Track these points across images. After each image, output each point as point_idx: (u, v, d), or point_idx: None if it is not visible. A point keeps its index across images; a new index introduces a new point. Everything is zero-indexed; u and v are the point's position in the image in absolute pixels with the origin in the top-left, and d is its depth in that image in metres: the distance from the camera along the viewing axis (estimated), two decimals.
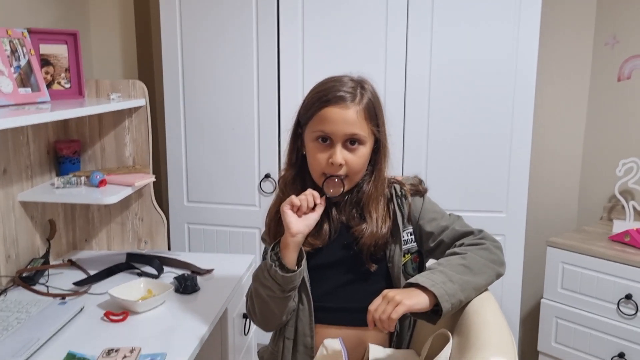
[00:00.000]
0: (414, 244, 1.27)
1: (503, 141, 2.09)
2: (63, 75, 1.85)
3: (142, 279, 1.69)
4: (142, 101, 1.93)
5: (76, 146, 1.93)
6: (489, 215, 2.12)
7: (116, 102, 1.83)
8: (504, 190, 2.12)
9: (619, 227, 2.18)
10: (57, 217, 1.92)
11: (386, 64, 2.08)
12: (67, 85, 1.86)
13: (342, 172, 1.20)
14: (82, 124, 1.97)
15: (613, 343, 1.98)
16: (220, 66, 2.18)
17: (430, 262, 1.25)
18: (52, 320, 1.43)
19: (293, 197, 1.19)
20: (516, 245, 2.14)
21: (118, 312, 1.50)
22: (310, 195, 1.19)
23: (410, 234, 1.27)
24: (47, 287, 1.67)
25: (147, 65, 2.56)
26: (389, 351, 1.18)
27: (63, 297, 1.59)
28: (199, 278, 1.74)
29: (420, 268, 1.29)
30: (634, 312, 1.93)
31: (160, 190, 2.50)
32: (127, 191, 1.79)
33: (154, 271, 1.80)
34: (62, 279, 1.74)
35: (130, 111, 1.95)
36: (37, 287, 1.66)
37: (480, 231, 1.26)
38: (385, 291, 1.09)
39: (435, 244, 1.25)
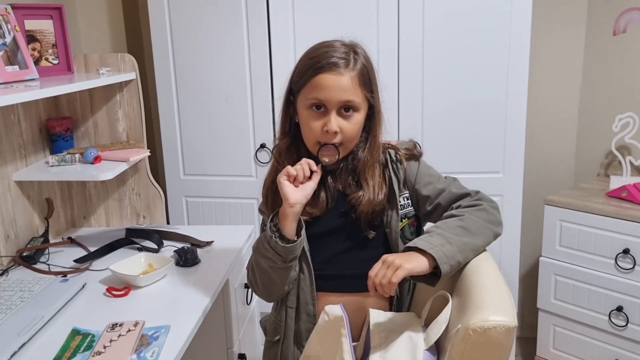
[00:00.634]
0: (411, 208, 1.27)
1: (498, 101, 2.07)
2: (50, 51, 1.82)
3: (143, 254, 1.70)
4: (132, 75, 1.90)
5: (68, 123, 1.91)
6: (486, 176, 2.12)
7: (106, 76, 1.80)
8: (501, 151, 2.11)
9: (616, 182, 2.18)
10: (54, 196, 1.91)
11: (378, 26, 2.04)
12: (55, 61, 1.83)
13: (337, 139, 1.19)
14: (73, 100, 1.94)
15: (611, 297, 2.01)
16: (209, 36, 2.14)
17: (429, 226, 1.26)
18: (54, 297, 1.43)
19: (289, 167, 1.18)
20: (514, 205, 2.15)
21: (120, 287, 1.51)
22: (305, 164, 1.18)
23: (407, 199, 1.27)
24: (48, 265, 1.68)
25: (136, 38, 2.51)
26: (389, 315, 1.19)
27: (64, 274, 1.60)
28: (199, 250, 1.75)
29: (418, 232, 1.29)
30: (631, 266, 1.95)
31: (157, 165, 2.49)
32: (123, 167, 1.78)
33: (153, 245, 1.81)
34: (63, 257, 1.75)
35: (121, 85, 1.92)
36: (38, 265, 1.66)
37: (477, 192, 1.26)
38: (385, 256, 1.10)
39: (432, 207, 1.25)
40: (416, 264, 1.07)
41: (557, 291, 2.17)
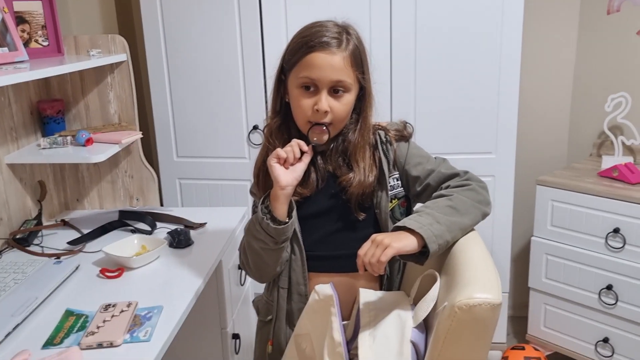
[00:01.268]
0: (401, 189, 1.28)
1: (491, 81, 2.07)
2: (40, 32, 1.80)
3: (136, 236, 1.71)
4: (123, 56, 1.89)
5: (59, 105, 1.90)
6: (478, 156, 2.12)
7: (96, 58, 1.79)
8: (493, 132, 2.11)
9: (607, 162, 2.19)
10: (47, 178, 1.91)
11: (371, 7, 2.03)
12: (45, 43, 1.82)
13: (327, 119, 1.19)
14: (64, 82, 1.93)
15: (601, 276, 2.03)
16: (201, 17, 2.12)
17: (418, 206, 1.27)
18: (48, 279, 1.45)
19: (279, 149, 1.18)
20: (506, 185, 2.16)
21: (113, 269, 1.52)
22: (296, 146, 1.18)
23: (397, 180, 1.27)
24: (42, 247, 1.69)
25: (127, 19, 2.49)
26: (379, 294, 1.20)
27: (58, 256, 1.61)
28: (192, 232, 1.76)
29: (408, 212, 1.30)
30: (621, 245, 1.96)
31: (150, 147, 2.49)
32: (115, 149, 1.78)
33: (147, 227, 1.82)
34: (56, 239, 1.75)
35: (112, 67, 1.91)
36: (31, 248, 1.67)
37: (466, 172, 1.26)
38: (374, 235, 1.11)
39: (422, 187, 1.26)
40: (405, 243, 1.08)
41: (548, 270, 2.19)
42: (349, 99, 1.20)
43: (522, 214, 2.44)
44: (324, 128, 1.20)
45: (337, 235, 1.26)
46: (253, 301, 1.43)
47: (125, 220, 1.86)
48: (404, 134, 1.30)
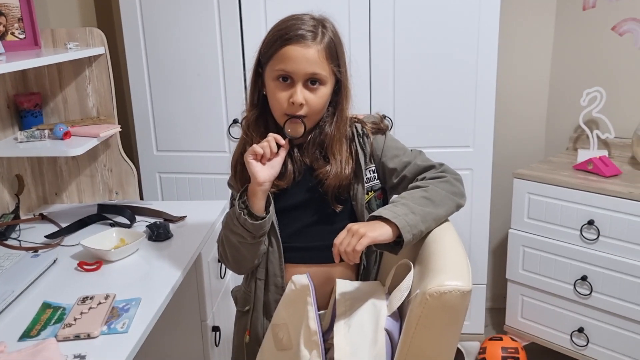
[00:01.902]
0: (377, 181, 1.29)
1: (468, 75, 2.10)
2: (16, 25, 1.79)
3: (115, 229, 1.70)
4: (101, 49, 1.88)
5: (37, 99, 1.89)
6: (456, 150, 2.15)
7: (74, 51, 1.78)
8: (471, 125, 2.14)
9: (583, 156, 2.23)
10: (24, 172, 1.90)
11: (349, 1, 2.04)
12: (22, 36, 1.80)
13: (302, 112, 1.20)
14: (41, 75, 1.92)
15: (576, 267, 2.07)
16: (180, 10, 2.12)
17: (394, 197, 1.28)
18: (25, 272, 1.44)
19: (255, 146, 1.18)
20: (484, 178, 2.19)
21: (92, 262, 1.52)
22: (272, 140, 1.19)
23: (373, 172, 1.29)
24: (19, 241, 1.68)
25: (106, 13, 2.47)
26: (355, 284, 1.22)
27: (35, 250, 1.60)
28: (171, 225, 1.76)
29: (385, 204, 1.30)
30: (595, 236, 2.00)
31: (129, 141, 2.48)
32: (93, 142, 1.77)
33: (126, 221, 1.81)
34: (34, 233, 1.75)
35: (90, 60, 1.90)
36: (8, 242, 1.66)
37: (441, 165, 1.28)
38: (350, 225, 1.12)
39: (399, 179, 1.28)
40: (380, 232, 1.10)
41: (525, 262, 2.23)
42: (324, 91, 1.21)
43: (499, 206, 2.47)
44: (300, 121, 1.20)
45: (313, 227, 1.27)
46: (232, 291, 1.44)
47: (104, 214, 1.85)
48: (380, 127, 1.31)
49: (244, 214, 1.18)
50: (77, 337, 1.18)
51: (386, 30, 2.07)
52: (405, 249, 1.13)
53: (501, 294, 2.50)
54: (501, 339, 2.29)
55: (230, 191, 1.38)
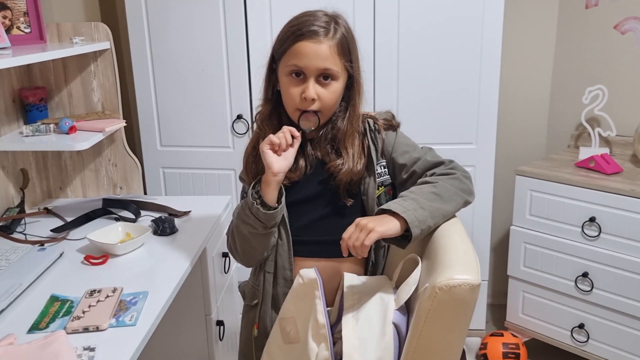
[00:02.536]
0: (388, 176, 1.31)
1: (472, 73, 2.10)
2: (22, 19, 1.79)
3: (120, 223, 1.71)
4: (106, 44, 1.88)
5: (42, 93, 1.89)
6: (459, 147, 2.16)
7: (79, 45, 1.78)
8: (474, 122, 2.15)
9: (584, 153, 2.25)
10: (29, 167, 1.90)
11: None
12: (27, 30, 1.80)
13: (314, 107, 1.21)
14: (46, 70, 1.92)
15: (577, 264, 2.09)
16: (185, 5, 2.12)
17: (404, 192, 1.29)
18: (32, 266, 1.44)
19: (271, 136, 1.20)
20: (486, 175, 2.20)
21: (98, 256, 1.53)
22: (287, 132, 1.21)
23: (384, 167, 1.30)
24: (25, 235, 1.68)
25: (111, 7, 2.47)
26: (363, 278, 1.23)
27: (42, 243, 1.60)
28: (176, 220, 1.76)
29: None
30: (597, 233, 2.02)
31: (133, 136, 2.48)
32: (98, 137, 1.78)
33: (131, 215, 1.82)
34: (40, 227, 1.75)
35: (95, 55, 1.91)
36: (14, 235, 1.67)
37: (451, 161, 1.30)
38: (358, 219, 1.13)
39: (408, 175, 1.29)
40: (388, 226, 1.11)
41: (526, 259, 2.24)
42: (336, 87, 1.22)
43: (501, 203, 2.48)
44: (314, 115, 1.22)
45: (323, 221, 1.28)
46: (239, 286, 1.45)
47: (109, 209, 1.86)
48: (392, 124, 1.33)
49: (256, 204, 1.20)
50: (86, 330, 1.19)
51: (391, 28, 2.08)
52: (412, 244, 1.14)
53: (502, 291, 2.51)
54: (502, 335, 2.31)
55: (240, 185, 1.39)
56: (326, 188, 1.27)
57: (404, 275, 1.14)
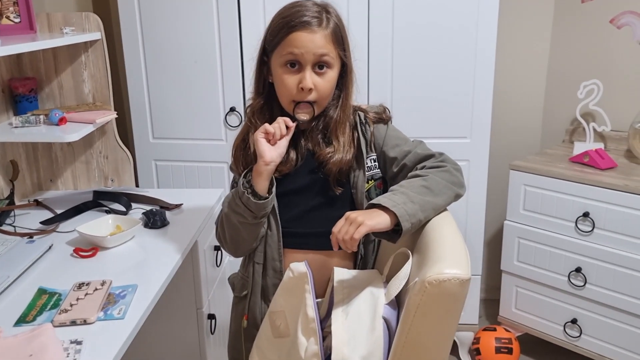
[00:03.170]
0: (378, 170, 1.30)
1: (467, 66, 2.09)
2: (11, 9, 1.76)
3: (110, 216, 1.69)
4: (97, 35, 1.86)
5: (32, 84, 1.87)
6: (453, 141, 2.15)
7: (70, 36, 1.76)
8: (468, 117, 2.14)
9: (579, 148, 2.24)
10: (19, 158, 1.89)
11: None
12: (17, 20, 1.78)
13: (311, 97, 1.21)
14: (37, 60, 1.90)
15: (571, 259, 2.08)
16: None
17: (394, 186, 1.28)
18: (20, 258, 1.43)
19: (267, 125, 1.20)
20: (480, 170, 2.19)
21: (87, 249, 1.51)
22: (282, 123, 1.21)
23: (374, 161, 1.29)
24: (14, 227, 1.67)
25: None
26: (353, 272, 1.22)
27: (31, 235, 1.59)
28: (168, 213, 1.75)
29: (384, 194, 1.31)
30: (590, 228, 2.01)
31: (125, 128, 2.46)
32: (89, 128, 1.76)
33: (122, 208, 1.80)
34: (29, 219, 1.74)
35: (86, 46, 1.88)
36: (3, 227, 1.65)
37: (441, 154, 1.28)
38: (348, 213, 1.12)
39: (399, 168, 1.28)
40: (378, 220, 1.10)
41: (520, 254, 2.24)
42: (331, 75, 1.22)
43: (495, 198, 2.48)
44: (310, 105, 1.22)
45: (313, 212, 1.28)
46: (229, 278, 1.44)
47: (99, 201, 1.84)
48: (382, 117, 1.32)
49: (247, 193, 1.19)
50: (73, 323, 1.18)
51: (385, 21, 2.06)
52: (403, 238, 1.13)
53: (495, 286, 2.51)
54: (495, 330, 2.31)
55: (231, 175, 1.38)
56: (316, 179, 1.26)
57: (395, 269, 1.13)
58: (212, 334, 1.79)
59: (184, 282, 1.70)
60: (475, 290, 2.33)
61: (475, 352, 2.32)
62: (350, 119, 1.28)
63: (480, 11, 2.04)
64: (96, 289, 1.30)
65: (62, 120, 1.74)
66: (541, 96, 2.54)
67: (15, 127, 1.73)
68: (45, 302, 1.26)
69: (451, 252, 1.00)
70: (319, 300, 1.22)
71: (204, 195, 1.92)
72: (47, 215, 1.75)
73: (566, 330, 2.16)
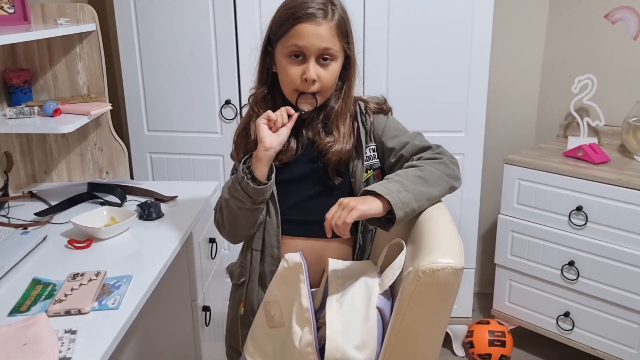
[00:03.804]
0: (376, 160, 1.31)
1: (462, 60, 2.09)
2: (6, 0, 1.75)
3: (105, 208, 1.69)
4: (92, 26, 1.86)
5: (26, 75, 1.86)
6: (448, 135, 2.15)
7: (64, 27, 1.75)
8: (463, 110, 2.14)
9: (573, 143, 2.25)
10: (13, 150, 1.88)
11: None
12: (11, 10, 1.77)
13: (314, 88, 1.22)
14: (31, 51, 1.89)
15: (564, 252, 2.10)
16: None
17: (389, 175, 1.29)
18: (15, 249, 1.43)
19: (269, 112, 1.22)
20: (475, 163, 2.20)
21: (82, 240, 1.51)
22: (284, 112, 1.23)
23: (373, 151, 1.31)
24: (8, 218, 1.66)
25: None
26: (347, 263, 1.22)
27: (25, 227, 1.59)
28: (162, 205, 1.75)
29: None
30: (583, 222, 2.03)
31: (120, 120, 2.46)
32: (83, 120, 1.75)
33: (116, 200, 1.80)
34: (23, 211, 1.73)
35: (81, 37, 1.88)
36: None
37: (438, 146, 1.30)
38: (341, 199, 1.14)
39: (396, 159, 1.29)
40: (370, 206, 1.11)
41: (513, 247, 2.25)
42: (335, 67, 1.24)
43: (489, 192, 2.49)
44: (312, 96, 1.23)
45: (312, 200, 1.29)
46: (227, 267, 1.44)
47: (94, 193, 1.84)
48: (383, 108, 1.34)
49: (246, 178, 1.21)
50: (67, 313, 1.18)
51: (380, 15, 2.06)
52: (397, 228, 1.14)
53: (489, 279, 2.52)
54: (488, 323, 2.32)
55: (231, 163, 1.39)
56: (315, 167, 1.27)
57: (389, 259, 1.13)
58: (206, 325, 1.80)
59: (179, 274, 1.70)
60: (469, 283, 2.35)
61: (468, 345, 2.33)
62: (351, 110, 1.30)
63: (475, 5, 2.04)
64: (91, 280, 1.30)
65: (57, 112, 1.74)
66: (536, 91, 2.55)
67: (10, 118, 1.73)
68: (39, 292, 1.26)
69: (445, 241, 1.00)
70: (314, 290, 1.22)
71: (199, 188, 1.93)
72: (42, 206, 1.75)
73: (559, 323, 2.17)
